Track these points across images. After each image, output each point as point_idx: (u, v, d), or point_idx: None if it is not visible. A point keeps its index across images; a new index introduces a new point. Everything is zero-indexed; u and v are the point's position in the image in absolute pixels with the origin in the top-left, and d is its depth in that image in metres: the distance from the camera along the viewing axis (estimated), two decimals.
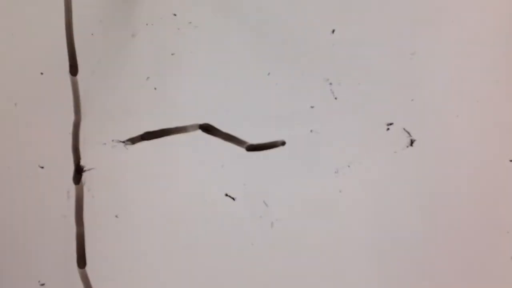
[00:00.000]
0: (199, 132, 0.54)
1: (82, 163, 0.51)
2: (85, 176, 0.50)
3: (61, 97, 0.52)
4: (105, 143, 0.56)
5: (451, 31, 0.55)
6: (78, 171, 0.50)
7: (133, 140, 0.52)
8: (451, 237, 0.56)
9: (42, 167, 0.56)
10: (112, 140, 0.54)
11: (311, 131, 0.56)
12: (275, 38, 0.55)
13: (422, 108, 0.55)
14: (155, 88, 0.56)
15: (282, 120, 0.56)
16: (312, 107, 0.56)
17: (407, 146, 0.55)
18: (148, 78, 0.55)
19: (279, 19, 0.55)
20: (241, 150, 0.55)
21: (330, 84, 0.55)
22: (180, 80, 0.56)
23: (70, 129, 0.50)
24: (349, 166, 0.56)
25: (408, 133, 0.55)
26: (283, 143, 0.49)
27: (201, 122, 0.56)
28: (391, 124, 0.55)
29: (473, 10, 0.54)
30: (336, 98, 0.56)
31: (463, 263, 0.57)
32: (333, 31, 0.55)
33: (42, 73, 0.56)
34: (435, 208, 0.56)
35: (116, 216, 0.57)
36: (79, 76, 0.51)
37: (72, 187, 0.50)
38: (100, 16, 0.55)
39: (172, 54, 0.55)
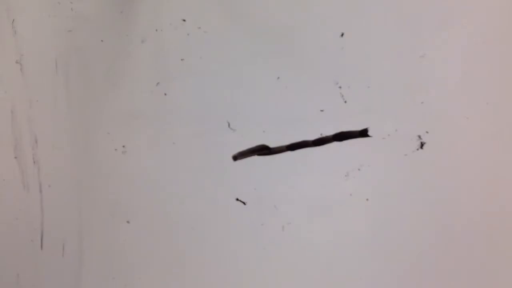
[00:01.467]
0: (212, 137, 0.55)
1: (94, 168, 0.52)
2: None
3: None
4: (116, 149, 0.56)
5: (460, 33, 0.55)
6: None
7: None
8: (461, 239, 0.56)
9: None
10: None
11: (321, 134, 0.56)
12: (284, 42, 0.56)
13: (431, 110, 0.55)
14: (165, 94, 0.56)
15: (292, 124, 0.56)
16: (322, 110, 0.56)
17: (417, 149, 0.55)
18: (158, 83, 0.56)
19: (288, 23, 0.55)
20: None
21: (340, 87, 0.55)
22: (190, 85, 0.56)
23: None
24: (359, 169, 0.56)
25: (418, 136, 0.55)
26: None
27: (211, 126, 0.56)
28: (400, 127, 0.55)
29: (482, 12, 0.54)
30: (345, 102, 0.56)
31: (474, 265, 0.56)
32: (342, 34, 0.55)
33: None
34: (445, 210, 0.56)
35: (128, 222, 0.57)
36: (90, 81, 0.52)
37: None
38: (110, 23, 0.55)
39: (182, 60, 0.56)
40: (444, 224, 0.56)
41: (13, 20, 0.56)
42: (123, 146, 0.56)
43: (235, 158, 0.55)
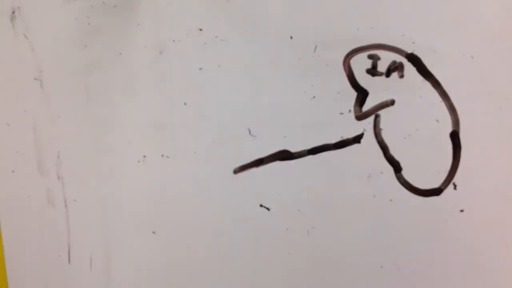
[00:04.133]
0: (233, 144, 0.55)
1: (117, 180, 0.52)
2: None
3: None
4: (138, 161, 0.57)
5: (477, 28, 0.54)
6: None
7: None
8: (488, 237, 0.56)
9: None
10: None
11: (341, 137, 0.56)
12: (301, 49, 0.56)
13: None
14: (185, 103, 0.56)
15: (312, 128, 0.56)
16: (341, 113, 0.56)
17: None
18: (177, 93, 0.56)
19: (306, 31, 0.55)
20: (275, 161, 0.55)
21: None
22: (209, 93, 0.56)
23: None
24: (381, 172, 0.56)
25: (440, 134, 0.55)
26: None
27: (232, 133, 0.56)
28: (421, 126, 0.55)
29: (498, 7, 0.54)
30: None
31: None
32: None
33: None
34: (470, 207, 0.56)
35: (154, 233, 0.57)
36: (110, 94, 0.52)
37: None
38: (128, 35, 0.56)
39: (200, 69, 0.56)
40: (469, 223, 0.56)
41: (31, 36, 0.56)
42: (144, 157, 0.57)
43: (235, 172, 0.56)
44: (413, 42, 0.54)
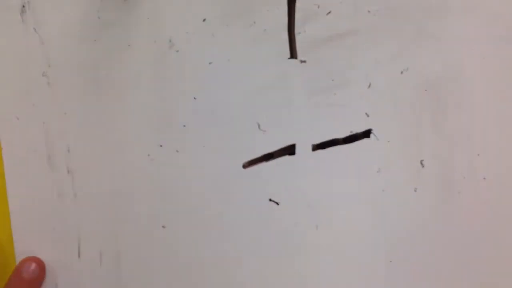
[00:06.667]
0: (243, 138, 0.55)
1: (128, 174, 0.52)
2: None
3: None
4: (149, 154, 0.57)
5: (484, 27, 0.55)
6: None
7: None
8: (497, 233, 0.56)
9: None
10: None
11: (351, 132, 0.57)
12: (310, 41, 0.56)
13: (458, 106, 0.56)
14: (194, 98, 0.56)
15: (321, 122, 0.56)
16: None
17: None
18: (187, 88, 0.56)
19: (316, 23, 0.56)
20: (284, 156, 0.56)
21: (370, 84, 0.56)
22: (219, 88, 0.57)
23: None
24: (391, 165, 0.57)
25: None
26: None
27: (242, 128, 0.56)
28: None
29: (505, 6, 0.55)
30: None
31: None
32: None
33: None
34: (482, 202, 0.56)
35: (163, 227, 0.58)
36: (120, 88, 0.52)
37: None
38: (137, 29, 0.56)
39: (210, 63, 0.56)
40: (479, 219, 0.57)
41: (41, 30, 0.56)
42: (155, 152, 0.57)
43: (244, 166, 0.56)
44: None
